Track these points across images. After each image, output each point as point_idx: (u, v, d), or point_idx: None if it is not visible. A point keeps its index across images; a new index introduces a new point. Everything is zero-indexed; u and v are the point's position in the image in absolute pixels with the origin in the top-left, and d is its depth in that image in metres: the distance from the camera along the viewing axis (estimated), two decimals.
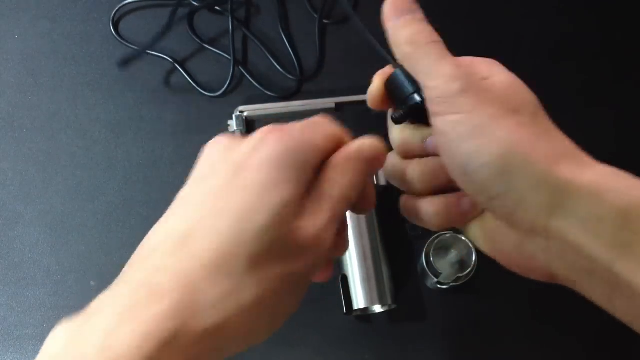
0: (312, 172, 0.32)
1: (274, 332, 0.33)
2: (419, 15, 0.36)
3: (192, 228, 0.30)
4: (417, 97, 0.35)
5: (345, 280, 0.61)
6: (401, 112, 0.36)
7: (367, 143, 0.35)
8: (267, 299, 0.30)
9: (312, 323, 0.62)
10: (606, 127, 0.68)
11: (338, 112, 0.69)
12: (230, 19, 0.70)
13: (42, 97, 0.70)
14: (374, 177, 0.63)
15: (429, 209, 0.37)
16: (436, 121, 0.33)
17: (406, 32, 0.35)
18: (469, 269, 0.59)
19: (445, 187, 0.37)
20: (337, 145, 0.34)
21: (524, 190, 0.31)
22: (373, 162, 0.35)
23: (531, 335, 0.63)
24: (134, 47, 0.71)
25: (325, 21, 0.72)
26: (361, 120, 0.68)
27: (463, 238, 0.60)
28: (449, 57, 0.34)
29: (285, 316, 0.33)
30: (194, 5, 0.71)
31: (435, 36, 0.35)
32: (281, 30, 0.72)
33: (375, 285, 0.60)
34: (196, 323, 0.28)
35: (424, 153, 0.37)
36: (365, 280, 0.60)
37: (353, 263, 0.60)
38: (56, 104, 0.70)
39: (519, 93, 0.34)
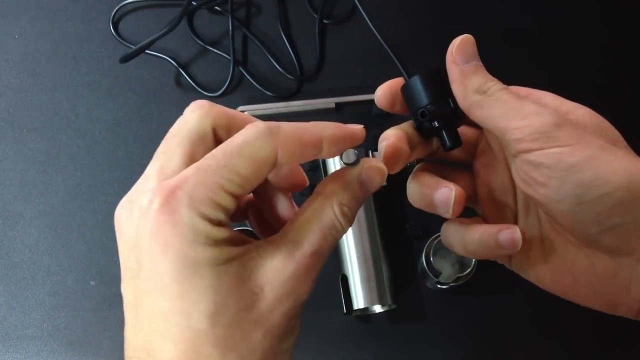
0: (224, 214, 0.29)
1: None
2: (481, 63, 0.36)
3: (147, 340, 0.29)
4: (428, 108, 0.36)
5: (345, 280, 0.61)
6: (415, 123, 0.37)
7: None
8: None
9: (312, 323, 0.62)
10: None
11: (338, 112, 0.69)
12: (230, 19, 0.70)
13: (42, 97, 0.70)
14: None
15: (466, 236, 0.36)
16: (532, 156, 0.33)
17: (476, 80, 0.35)
18: (469, 269, 0.59)
19: (430, 206, 0.37)
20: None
21: None
22: (365, 188, 0.33)
23: (531, 335, 0.63)
24: (134, 47, 0.71)
25: (325, 21, 0.72)
26: (361, 121, 0.68)
27: None
28: (524, 98, 0.34)
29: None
30: (194, 5, 0.71)
31: (501, 83, 0.35)
32: (281, 31, 0.72)
33: (375, 285, 0.60)
34: None
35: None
36: (365, 280, 0.60)
37: (353, 263, 0.60)
38: (56, 104, 0.70)
39: (605, 125, 0.35)
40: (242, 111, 0.68)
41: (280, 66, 0.70)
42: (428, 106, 0.36)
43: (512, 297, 0.63)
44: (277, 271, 0.29)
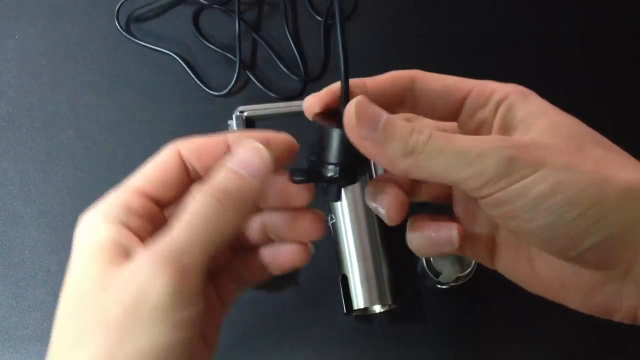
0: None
1: None
2: (386, 114, 0.30)
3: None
4: (331, 173, 0.31)
5: (345, 280, 0.60)
6: (301, 176, 0.33)
7: None
8: None
9: (312, 323, 0.62)
10: (601, 123, 0.67)
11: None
12: (237, 20, 0.70)
13: (42, 97, 0.70)
14: (373, 171, 0.63)
15: (409, 232, 0.37)
16: (493, 198, 0.29)
17: (396, 142, 0.29)
18: (469, 269, 0.59)
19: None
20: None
21: (621, 234, 0.29)
22: None
23: (531, 335, 0.63)
24: (141, 42, 0.71)
25: (330, 22, 0.72)
26: None
27: None
28: (458, 135, 0.29)
29: None
30: (201, 4, 0.71)
31: (425, 121, 0.31)
32: (287, 32, 0.72)
33: (375, 285, 0.60)
34: None
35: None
36: (365, 280, 0.60)
37: (353, 263, 0.60)
38: (56, 104, 0.70)
39: (567, 127, 0.31)
40: (242, 111, 0.68)
41: (285, 67, 0.70)
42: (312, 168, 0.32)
43: (512, 298, 0.63)
44: None
